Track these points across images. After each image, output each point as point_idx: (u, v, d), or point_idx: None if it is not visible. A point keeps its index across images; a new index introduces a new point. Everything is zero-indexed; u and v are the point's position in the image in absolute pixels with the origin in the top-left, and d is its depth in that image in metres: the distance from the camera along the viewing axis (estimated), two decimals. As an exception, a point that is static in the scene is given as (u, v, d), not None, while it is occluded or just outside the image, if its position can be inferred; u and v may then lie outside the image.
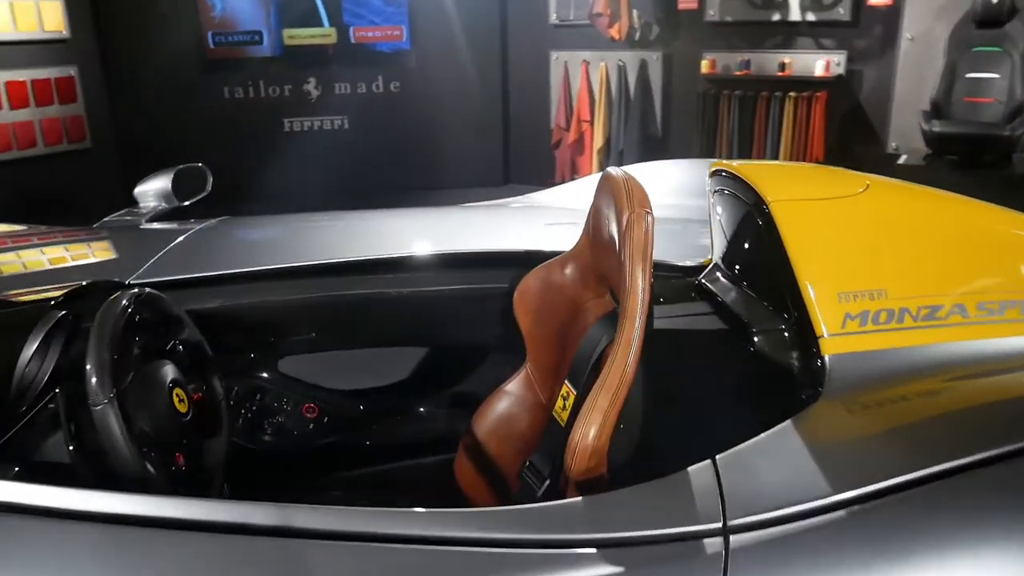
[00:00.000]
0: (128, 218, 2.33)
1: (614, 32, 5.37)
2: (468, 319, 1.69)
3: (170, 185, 2.40)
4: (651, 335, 1.03)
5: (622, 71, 5.56)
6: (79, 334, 1.37)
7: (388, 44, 5.95)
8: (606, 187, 1.15)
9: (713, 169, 1.37)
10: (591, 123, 5.71)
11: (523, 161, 6.23)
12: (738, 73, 5.11)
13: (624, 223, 1.04)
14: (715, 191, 1.37)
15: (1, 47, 5.05)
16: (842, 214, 1.18)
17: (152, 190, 2.41)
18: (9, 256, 1.95)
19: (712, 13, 5.23)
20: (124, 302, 1.25)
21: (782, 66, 4.96)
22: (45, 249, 2.09)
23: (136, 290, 1.31)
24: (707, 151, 5.21)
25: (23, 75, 5.17)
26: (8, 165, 5.16)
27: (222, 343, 1.52)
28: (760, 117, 5.07)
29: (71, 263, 1.88)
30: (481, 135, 6.21)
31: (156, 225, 2.25)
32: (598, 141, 5.70)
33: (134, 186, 2.44)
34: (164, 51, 5.68)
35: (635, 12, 5.31)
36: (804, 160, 4.94)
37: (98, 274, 1.62)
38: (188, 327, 1.43)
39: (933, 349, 1.06)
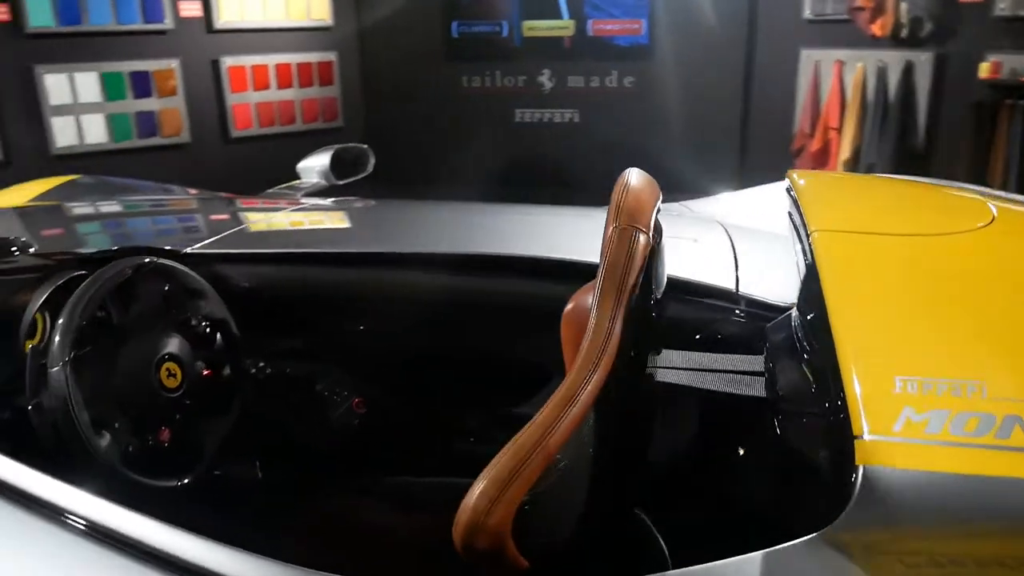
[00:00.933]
0: (287, 191, 2.41)
1: (876, 28, 4.72)
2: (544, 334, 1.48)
3: (328, 163, 2.44)
4: (626, 390, 0.78)
5: (882, 73, 4.88)
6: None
7: (626, 38, 5.75)
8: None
9: (787, 184, 1.04)
10: (839, 131, 5.10)
11: (759, 168, 5.71)
12: (1026, 80, 4.25)
13: (605, 240, 0.80)
14: (789, 213, 1.04)
15: (274, 33, 5.61)
16: (932, 257, 0.80)
17: (313, 167, 2.47)
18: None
19: (1003, 7, 4.40)
20: (119, 270, 1.22)
21: (1087, 72, 4.04)
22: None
23: (147, 260, 1.29)
24: (975, 175, 4.40)
25: (290, 58, 5.70)
26: (270, 138, 5.73)
27: (286, 322, 1.48)
28: (1050, 134, 4.17)
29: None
30: (716, 138, 5.81)
31: (307, 200, 2.29)
32: (845, 151, 5.07)
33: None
34: (412, 39, 5.96)
35: (903, 5, 4.62)
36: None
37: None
38: (211, 302, 1.38)
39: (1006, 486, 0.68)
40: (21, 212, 2.16)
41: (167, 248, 1.53)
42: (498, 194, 5.05)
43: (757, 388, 0.98)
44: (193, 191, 2.52)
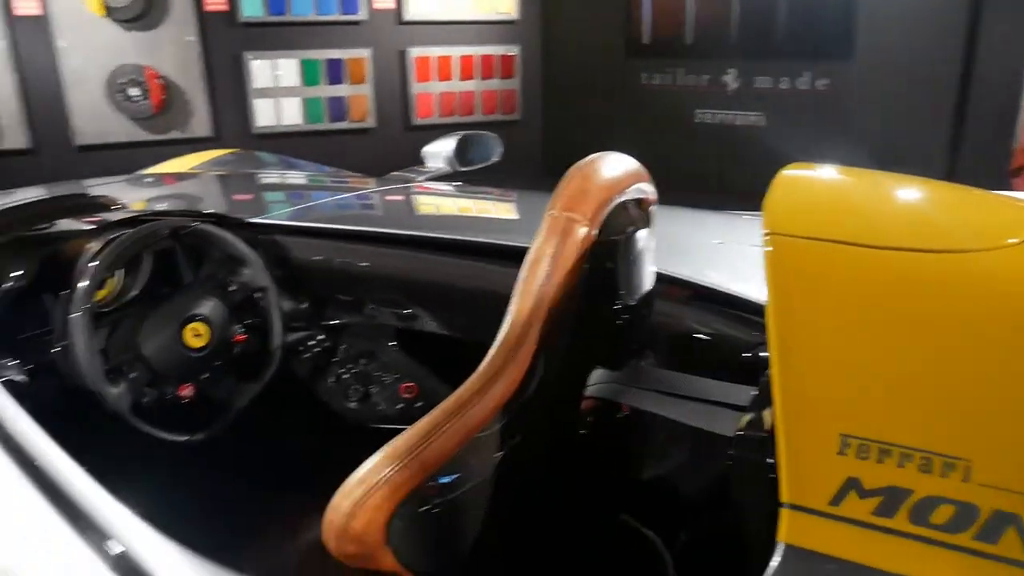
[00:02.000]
0: (409, 175, 2.45)
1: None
2: None
3: (453, 149, 2.45)
4: (552, 406, 0.69)
5: None
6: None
7: (821, 38, 5.34)
8: None
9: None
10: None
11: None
12: None
13: (540, 228, 0.71)
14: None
15: (460, 25, 5.78)
16: (927, 280, 0.59)
17: (439, 152, 2.49)
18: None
19: None
20: (155, 230, 1.28)
21: None
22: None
23: (189, 226, 1.34)
24: None
25: (473, 51, 5.85)
26: (449, 127, 5.89)
27: (343, 299, 1.49)
28: None
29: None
30: (921, 153, 5.25)
31: (432, 184, 2.32)
32: (1072, 171, 4.40)
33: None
34: (595, 34, 5.91)
35: None
36: None
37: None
38: (254, 270, 1.42)
39: None
40: (168, 176, 2.40)
41: (230, 216, 1.60)
42: (673, 197, 4.89)
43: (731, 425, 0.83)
44: (329, 169, 2.64)
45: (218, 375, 1.41)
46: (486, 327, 1.53)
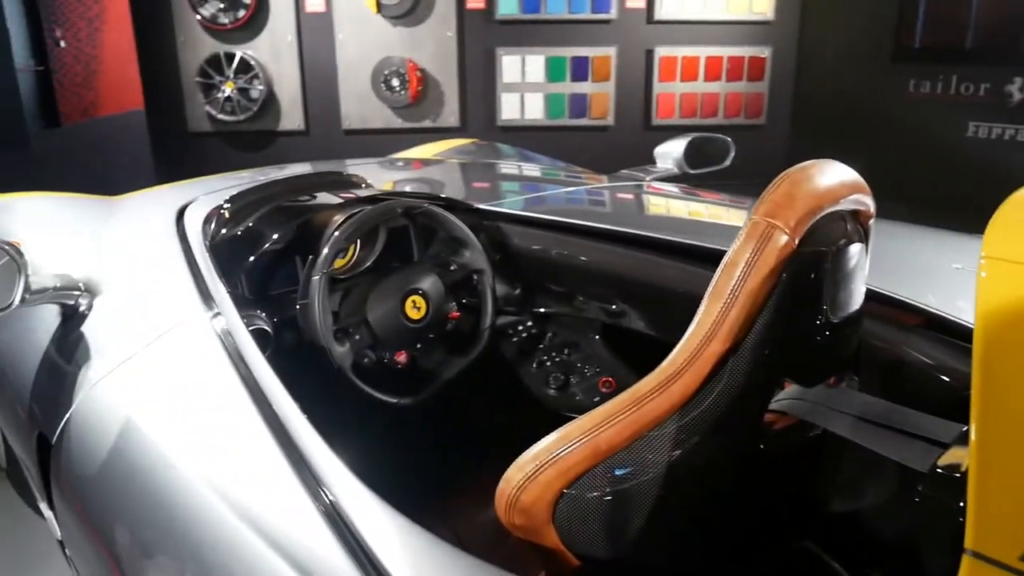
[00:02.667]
0: (637, 174, 2.44)
1: None
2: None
3: (683, 151, 2.41)
4: (738, 417, 0.65)
5: None
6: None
7: None
8: None
9: None
10: None
11: None
12: None
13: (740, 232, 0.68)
14: None
15: (711, 25, 5.64)
16: None
17: (669, 153, 2.45)
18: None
19: None
20: (390, 208, 1.37)
21: None
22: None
23: (420, 206, 1.42)
24: None
25: (722, 51, 5.68)
26: (688, 129, 5.79)
27: (555, 288, 1.52)
28: None
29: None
30: None
31: (659, 185, 2.30)
32: None
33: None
34: (858, 36, 5.51)
35: None
36: None
37: None
38: (474, 253, 1.48)
39: None
40: (422, 162, 2.59)
41: (460, 201, 1.69)
42: (939, 219, 4.46)
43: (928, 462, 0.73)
44: (562, 164, 2.70)
45: (431, 346, 1.51)
46: (683, 327, 1.51)
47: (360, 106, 5.66)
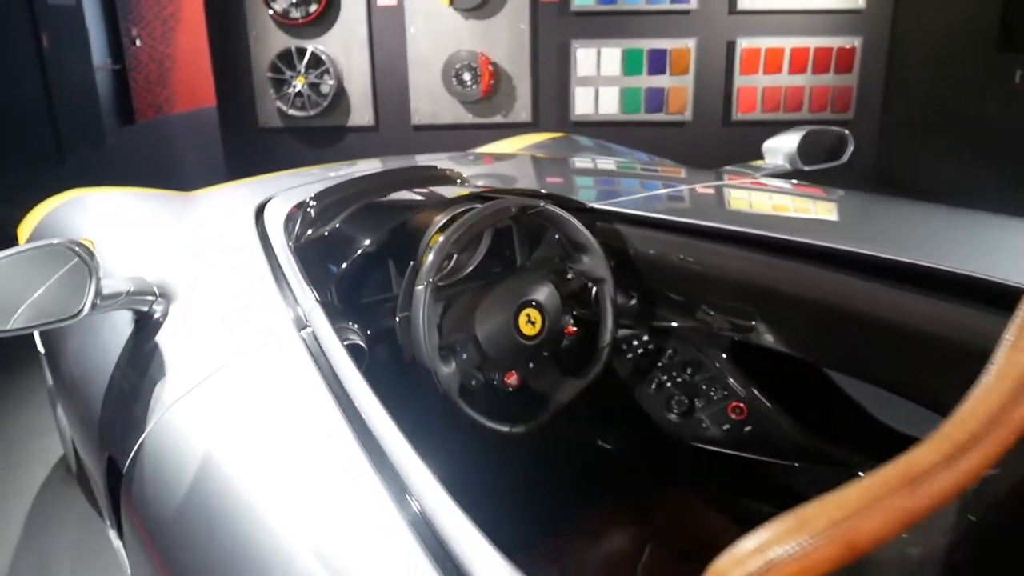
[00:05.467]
0: (745, 170, 2.24)
1: None
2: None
3: (796, 146, 2.20)
4: None
5: None
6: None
7: None
8: None
9: None
10: None
11: None
12: None
13: None
14: None
15: (798, 15, 5.35)
16: None
17: (780, 148, 2.24)
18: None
19: None
20: (503, 207, 1.21)
21: None
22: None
23: (538, 207, 1.25)
24: None
25: (808, 42, 5.39)
26: (771, 124, 5.53)
27: (678, 299, 1.34)
28: None
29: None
30: None
31: (769, 180, 2.09)
32: None
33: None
34: (959, 24, 5.15)
35: None
36: None
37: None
38: (594, 259, 1.31)
39: None
40: (514, 157, 2.43)
41: (571, 199, 1.52)
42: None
43: None
44: (655, 159, 2.51)
45: (545, 367, 1.34)
46: (837, 347, 1.31)
47: (430, 101, 5.54)
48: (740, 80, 5.44)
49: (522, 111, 5.53)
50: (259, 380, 1.00)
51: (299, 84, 5.50)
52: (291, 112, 5.56)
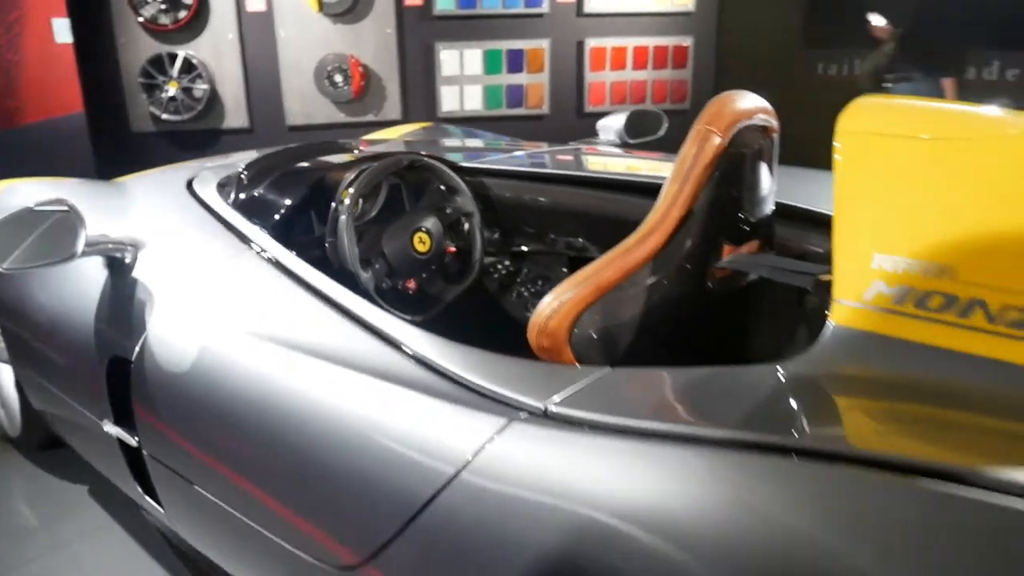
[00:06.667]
0: (579, 146, 2.74)
1: None
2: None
3: (622, 124, 2.71)
4: (690, 261, 0.95)
5: None
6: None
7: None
8: None
9: None
10: None
11: None
12: None
13: (687, 138, 0.97)
14: None
15: (637, 17, 6.00)
16: (952, 157, 0.82)
17: (611, 126, 2.76)
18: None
19: None
20: (397, 159, 1.66)
21: None
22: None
23: (422, 159, 1.70)
24: None
25: (648, 42, 6.05)
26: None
27: (527, 230, 1.82)
28: None
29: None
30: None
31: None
32: None
33: None
34: (767, 26, 5.95)
35: None
36: None
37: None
38: (464, 198, 1.78)
39: (1009, 370, 0.71)
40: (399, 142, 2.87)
41: (449, 159, 1.98)
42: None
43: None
44: (510, 138, 2.99)
45: (434, 276, 1.81)
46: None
47: (304, 103, 5.82)
48: (590, 76, 6.03)
49: (392, 110, 5.90)
50: (235, 282, 1.37)
51: (172, 89, 5.64)
52: (165, 117, 5.69)
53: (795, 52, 5.95)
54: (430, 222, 1.82)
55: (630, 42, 6.00)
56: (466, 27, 5.83)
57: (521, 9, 5.82)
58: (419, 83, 5.91)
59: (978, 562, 0.58)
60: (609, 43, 5.98)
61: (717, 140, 0.99)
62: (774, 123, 1.21)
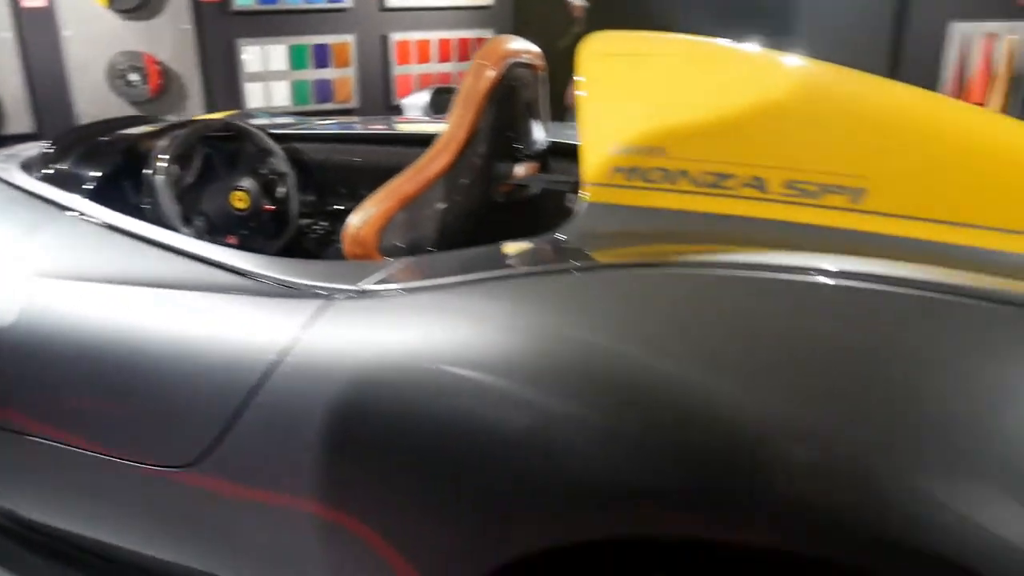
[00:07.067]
0: (388, 117, 2.90)
1: (1029, -1, 4.52)
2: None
3: (428, 100, 2.90)
4: (476, 177, 1.14)
5: (1034, 47, 4.66)
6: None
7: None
8: None
9: None
10: (983, 106, 4.91)
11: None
12: None
13: (467, 72, 1.16)
14: None
15: (439, 12, 6.22)
16: (650, 72, 1.09)
17: (415, 103, 2.93)
18: None
19: None
20: (208, 123, 1.74)
21: None
22: None
23: (234, 122, 1.80)
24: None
25: (451, 35, 6.28)
26: (429, 108, 6.36)
27: (340, 190, 1.96)
28: None
29: None
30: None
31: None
32: (991, 129, 4.87)
33: None
34: (551, 19, 6.37)
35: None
36: None
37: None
38: (278, 160, 1.90)
39: (706, 217, 0.96)
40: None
41: (259, 126, 2.07)
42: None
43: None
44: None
45: (253, 233, 1.89)
46: None
47: (96, 103, 5.53)
48: (397, 69, 6.17)
49: (195, 108, 5.73)
50: (57, 244, 1.39)
51: (-60, 92, 5.18)
52: (-66, 123, 5.22)
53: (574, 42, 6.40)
54: (247, 182, 1.91)
55: (434, 36, 6.20)
56: (268, 23, 5.78)
57: (324, 4, 5.86)
58: (222, 80, 5.79)
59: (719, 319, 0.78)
60: (413, 37, 6.15)
61: (490, 72, 1.19)
62: (540, 63, 1.43)
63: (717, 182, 0.97)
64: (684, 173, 0.99)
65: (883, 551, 0.61)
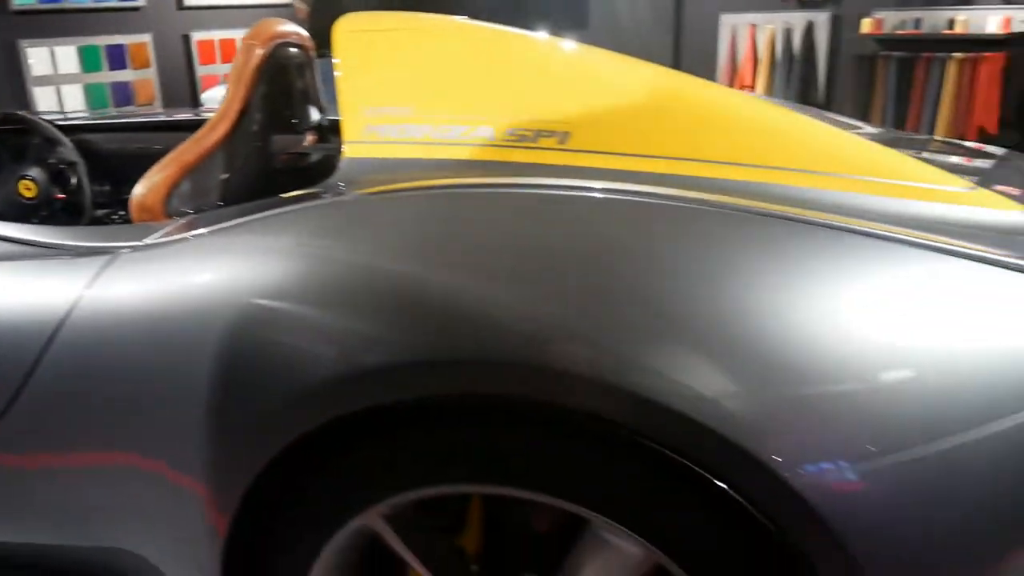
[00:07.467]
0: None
1: (782, -9, 5.14)
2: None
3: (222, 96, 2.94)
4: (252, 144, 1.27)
5: (788, 34, 5.29)
6: None
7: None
8: None
9: None
10: (753, 87, 5.52)
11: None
12: (901, 33, 4.64)
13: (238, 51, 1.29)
14: None
15: (239, 10, 6.12)
16: (396, 45, 1.27)
17: (214, 97, 2.97)
18: None
19: (888, -31, 4.80)
20: None
21: (951, 23, 4.42)
22: None
23: (15, 113, 1.80)
24: (860, 119, 4.81)
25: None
26: (239, 108, 6.25)
27: (135, 179, 1.99)
28: (919, 82, 4.56)
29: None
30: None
31: None
32: (759, 108, 5.48)
33: None
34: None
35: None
36: (968, 133, 4.38)
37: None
38: (66, 149, 1.92)
39: (446, 162, 1.15)
40: None
41: (49, 118, 2.06)
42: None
43: None
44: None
45: (45, 221, 1.87)
46: None
47: None
48: (202, 69, 6.02)
49: (-23, 115, 5.34)
50: None
51: None
52: None
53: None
54: (34, 171, 1.89)
55: (238, 34, 6.10)
56: (54, 23, 5.47)
57: (115, 3, 5.62)
58: (5, 85, 5.41)
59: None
60: (216, 36, 6.03)
61: (259, 51, 1.31)
62: (308, 44, 1.57)
63: (454, 133, 1.15)
64: (427, 128, 1.16)
65: (601, 395, 0.80)
